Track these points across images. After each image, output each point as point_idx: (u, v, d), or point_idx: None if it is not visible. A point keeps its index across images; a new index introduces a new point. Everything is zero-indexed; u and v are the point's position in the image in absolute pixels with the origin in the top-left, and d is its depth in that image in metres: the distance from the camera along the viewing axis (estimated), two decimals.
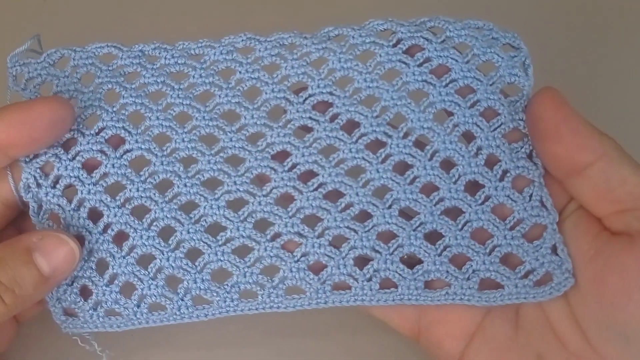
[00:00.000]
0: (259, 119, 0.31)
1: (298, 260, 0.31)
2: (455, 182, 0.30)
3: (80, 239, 0.30)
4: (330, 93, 0.31)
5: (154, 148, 0.31)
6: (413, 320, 0.32)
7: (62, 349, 0.32)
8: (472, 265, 0.30)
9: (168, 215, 0.30)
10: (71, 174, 0.30)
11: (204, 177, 0.31)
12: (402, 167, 0.31)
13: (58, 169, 0.30)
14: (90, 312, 0.31)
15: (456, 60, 0.30)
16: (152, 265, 0.30)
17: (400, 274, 0.31)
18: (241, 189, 0.31)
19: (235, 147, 0.31)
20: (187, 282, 0.30)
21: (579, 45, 0.44)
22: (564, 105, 0.29)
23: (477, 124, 0.30)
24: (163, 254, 0.30)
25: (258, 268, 0.31)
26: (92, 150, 0.30)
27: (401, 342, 0.35)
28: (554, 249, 0.30)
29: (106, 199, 0.30)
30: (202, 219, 0.31)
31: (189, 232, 0.30)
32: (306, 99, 0.31)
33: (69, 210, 0.30)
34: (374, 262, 0.31)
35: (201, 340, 0.36)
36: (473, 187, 0.31)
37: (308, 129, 0.31)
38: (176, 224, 0.30)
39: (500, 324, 0.31)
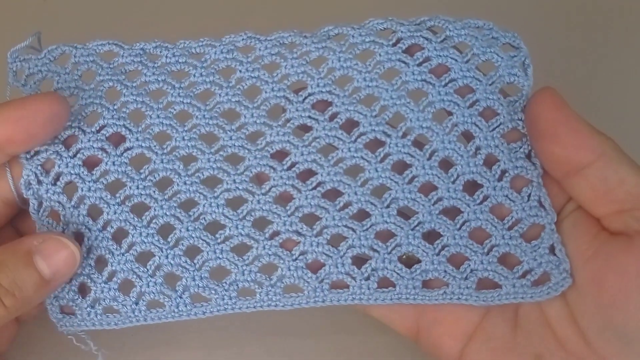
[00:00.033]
0: (258, 118, 0.31)
1: (296, 259, 0.31)
2: (453, 182, 0.30)
3: (79, 236, 0.31)
4: (330, 92, 0.31)
5: (154, 146, 0.31)
6: (412, 321, 0.32)
7: (62, 349, 0.32)
8: (470, 265, 0.30)
9: (167, 213, 0.30)
10: (72, 171, 0.30)
11: (203, 175, 0.31)
12: (400, 167, 0.31)
13: (59, 166, 0.30)
14: (88, 309, 0.31)
15: (456, 60, 0.31)
16: (151, 262, 0.31)
17: (398, 273, 0.31)
18: (240, 188, 0.31)
19: (234, 145, 0.31)
20: (186, 280, 0.31)
21: (579, 45, 0.44)
22: (563, 105, 0.29)
23: (476, 124, 0.30)
24: (162, 251, 0.30)
25: (256, 266, 0.31)
26: (93, 147, 0.30)
27: (399, 341, 0.35)
28: (552, 249, 0.30)
29: (106, 196, 0.30)
30: (201, 217, 0.31)
31: (188, 230, 0.30)
32: (306, 98, 0.31)
33: (69, 208, 0.30)
34: (372, 261, 0.31)
35: (198, 339, 0.36)
36: (472, 187, 0.31)
37: (307, 128, 0.31)
38: (175, 222, 0.30)
39: (499, 324, 0.31)
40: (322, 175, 0.31)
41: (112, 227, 0.30)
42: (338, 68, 0.31)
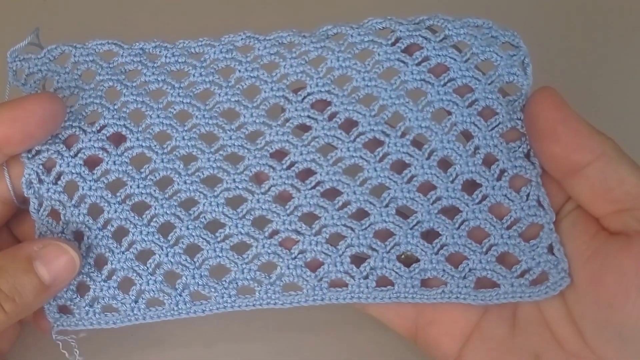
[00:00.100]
0: (258, 118, 0.31)
1: (295, 258, 0.31)
2: (452, 181, 0.31)
3: (78, 236, 0.31)
4: (329, 92, 0.31)
5: (155, 146, 0.31)
6: (410, 320, 0.32)
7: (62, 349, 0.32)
8: (468, 264, 0.31)
9: (168, 212, 0.31)
10: (73, 171, 0.30)
11: (203, 174, 0.31)
12: (399, 166, 0.31)
13: (60, 166, 0.30)
14: (86, 308, 0.31)
15: (455, 60, 0.31)
16: (151, 260, 0.31)
17: (396, 272, 0.31)
18: (240, 187, 0.31)
19: (234, 145, 0.31)
20: (186, 278, 0.31)
21: (578, 45, 0.44)
22: (562, 105, 0.29)
23: (475, 124, 0.30)
24: (162, 250, 0.31)
25: (256, 265, 0.31)
26: (94, 147, 0.31)
27: (398, 339, 0.35)
28: (550, 249, 0.30)
29: (107, 195, 0.31)
30: (201, 216, 0.31)
31: (188, 229, 0.31)
32: (305, 97, 0.31)
33: (69, 207, 0.31)
34: (371, 260, 0.31)
35: (198, 337, 0.36)
36: (470, 186, 0.31)
37: (306, 128, 0.31)
38: (176, 221, 0.31)
39: (497, 324, 0.31)
40: (321, 174, 0.31)
41: (112, 225, 0.31)
42: (337, 68, 0.31)
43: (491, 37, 0.31)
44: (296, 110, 0.31)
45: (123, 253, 0.31)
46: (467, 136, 0.31)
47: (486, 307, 0.31)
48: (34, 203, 0.30)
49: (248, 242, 0.31)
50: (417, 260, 0.31)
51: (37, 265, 0.28)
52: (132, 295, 0.31)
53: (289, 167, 0.31)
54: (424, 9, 0.32)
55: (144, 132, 0.31)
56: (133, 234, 0.31)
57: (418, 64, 0.31)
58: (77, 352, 0.31)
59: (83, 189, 0.30)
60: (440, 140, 0.30)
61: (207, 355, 0.36)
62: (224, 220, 0.31)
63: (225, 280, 0.31)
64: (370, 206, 0.31)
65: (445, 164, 0.31)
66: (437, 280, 0.31)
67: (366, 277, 0.31)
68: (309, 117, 0.31)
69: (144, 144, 0.31)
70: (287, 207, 0.31)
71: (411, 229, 0.31)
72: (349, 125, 0.31)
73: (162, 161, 0.31)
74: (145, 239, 0.31)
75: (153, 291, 0.31)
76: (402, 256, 0.31)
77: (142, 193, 0.31)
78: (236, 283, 0.31)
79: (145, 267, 0.31)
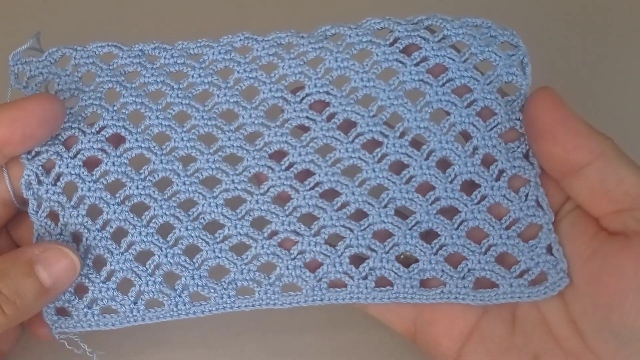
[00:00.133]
0: (256, 119, 0.31)
1: (294, 258, 0.31)
2: (451, 182, 0.31)
3: (77, 237, 0.31)
4: (327, 92, 0.31)
5: (154, 147, 0.31)
6: (409, 320, 0.32)
7: (62, 349, 0.32)
8: (467, 265, 0.30)
9: (167, 213, 0.31)
10: (72, 172, 0.31)
11: (202, 175, 0.31)
12: (398, 167, 0.31)
13: (59, 167, 0.31)
14: (84, 310, 0.31)
15: (453, 60, 0.31)
16: (150, 261, 0.31)
17: (395, 273, 0.31)
18: (239, 188, 0.31)
19: (233, 146, 0.31)
20: (185, 279, 0.31)
21: (578, 45, 0.44)
22: (561, 105, 0.29)
23: (473, 124, 0.30)
24: (162, 250, 0.31)
25: (255, 265, 0.31)
26: (93, 148, 0.31)
27: (397, 339, 0.35)
28: (549, 249, 0.30)
29: (106, 196, 0.31)
30: (200, 217, 0.31)
31: (187, 229, 0.31)
32: (303, 98, 0.31)
33: (68, 208, 0.31)
34: (370, 260, 0.31)
35: (197, 338, 0.36)
36: (469, 187, 0.31)
37: (305, 129, 0.31)
38: (175, 221, 0.31)
39: (496, 324, 0.31)
40: (319, 175, 0.31)
41: (111, 226, 0.31)
42: (335, 68, 0.31)
43: (490, 37, 0.31)
44: (295, 111, 0.31)
45: (122, 254, 0.31)
46: (465, 136, 0.31)
47: (485, 308, 0.31)
48: (32, 204, 0.31)
49: (247, 242, 0.31)
50: (416, 261, 0.31)
51: (38, 268, 0.28)
52: (132, 296, 0.31)
53: (287, 168, 0.31)
54: (422, 8, 0.32)
55: (143, 133, 0.31)
56: (132, 235, 0.31)
57: (416, 65, 0.31)
58: (85, 345, 0.32)
59: (82, 190, 0.31)
60: (439, 140, 0.30)
61: (206, 355, 0.36)
62: (223, 221, 0.31)
63: (224, 281, 0.31)
64: (369, 207, 0.31)
65: (444, 165, 0.31)
66: (436, 281, 0.31)
67: (365, 278, 0.31)
68: (307, 117, 0.31)
69: (143, 145, 0.31)
70: (286, 207, 0.31)
71: (410, 229, 0.31)
72: (347, 126, 0.31)
73: (161, 162, 0.31)
74: (145, 239, 0.31)
75: (152, 292, 0.31)
76: (401, 256, 0.31)
77: (141, 194, 0.31)
78: (235, 284, 0.31)
79: (145, 268, 0.31)
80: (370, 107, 0.31)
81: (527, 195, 0.30)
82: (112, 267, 0.31)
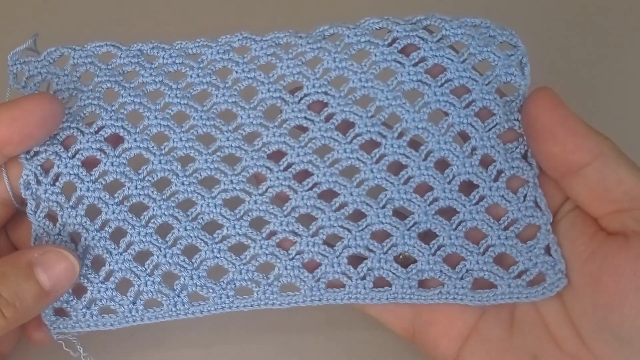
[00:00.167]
0: (255, 119, 0.31)
1: (293, 258, 0.31)
2: (449, 182, 0.30)
3: (76, 237, 0.31)
4: (325, 93, 0.31)
5: (152, 147, 0.31)
6: (408, 321, 0.32)
7: (60, 351, 0.32)
8: (465, 265, 0.30)
9: (166, 213, 0.31)
10: (71, 172, 0.31)
11: (201, 175, 0.31)
12: (396, 167, 0.31)
13: (58, 167, 0.31)
14: (83, 310, 0.31)
15: (452, 60, 0.30)
16: (149, 261, 0.31)
17: (394, 273, 0.31)
18: (237, 188, 0.31)
19: (231, 146, 0.31)
20: (184, 279, 0.31)
21: (578, 45, 0.44)
22: (560, 105, 0.29)
23: (472, 124, 0.30)
24: (160, 250, 0.31)
25: (253, 265, 0.31)
26: (92, 148, 0.31)
27: (396, 340, 0.35)
28: (548, 250, 0.30)
29: (105, 196, 0.31)
30: (199, 217, 0.31)
31: (186, 230, 0.31)
32: (301, 98, 0.31)
33: (67, 208, 0.31)
34: (368, 260, 0.31)
35: (196, 338, 0.36)
36: (467, 187, 0.31)
37: (303, 129, 0.31)
38: (173, 222, 0.31)
39: (495, 324, 0.31)
40: (318, 176, 0.31)
41: (110, 226, 0.31)
42: (333, 69, 0.31)
43: (489, 37, 0.31)
44: (293, 111, 0.31)
45: (121, 254, 0.31)
46: (464, 137, 0.31)
47: (484, 308, 0.31)
48: (31, 204, 0.31)
49: (246, 243, 0.31)
50: (415, 261, 0.31)
51: (37, 271, 0.28)
52: (130, 296, 0.31)
53: (286, 169, 0.31)
54: (421, 8, 0.32)
55: (142, 134, 0.31)
56: (131, 235, 0.31)
57: (415, 65, 0.31)
58: (81, 349, 0.32)
59: (81, 190, 0.31)
60: (437, 141, 0.30)
61: (205, 356, 0.36)
62: (221, 221, 0.31)
63: (223, 281, 0.31)
64: (367, 207, 0.31)
65: (442, 165, 0.31)
66: (435, 281, 0.31)
67: (363, 278, 0.31)
68: (305, 118, 0.31)
69: (141, 145, 0.31)
70: (284, 208, 0.31)
71: (408, 230, 0.31)
72: (345, 126, 0.31)
73: (160, 162, 0.31)
74: (143, 240, 0.31)
75: (151, 292, 0.31)
76: (400, 257, 0.31)
77: (139, 194, 0.31)
78: (234, 284, 0.31)
79: (144, 268, 0.31)
80: (368, 107, 0.31)
81: (525, 196, 0.30)
82: (111, 267, 0.31)
